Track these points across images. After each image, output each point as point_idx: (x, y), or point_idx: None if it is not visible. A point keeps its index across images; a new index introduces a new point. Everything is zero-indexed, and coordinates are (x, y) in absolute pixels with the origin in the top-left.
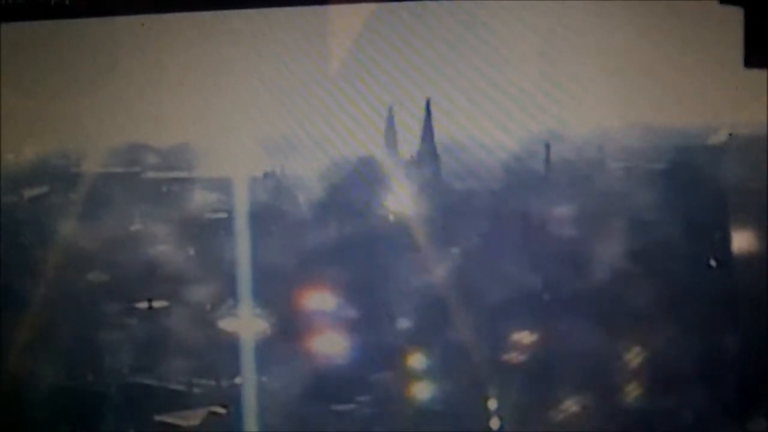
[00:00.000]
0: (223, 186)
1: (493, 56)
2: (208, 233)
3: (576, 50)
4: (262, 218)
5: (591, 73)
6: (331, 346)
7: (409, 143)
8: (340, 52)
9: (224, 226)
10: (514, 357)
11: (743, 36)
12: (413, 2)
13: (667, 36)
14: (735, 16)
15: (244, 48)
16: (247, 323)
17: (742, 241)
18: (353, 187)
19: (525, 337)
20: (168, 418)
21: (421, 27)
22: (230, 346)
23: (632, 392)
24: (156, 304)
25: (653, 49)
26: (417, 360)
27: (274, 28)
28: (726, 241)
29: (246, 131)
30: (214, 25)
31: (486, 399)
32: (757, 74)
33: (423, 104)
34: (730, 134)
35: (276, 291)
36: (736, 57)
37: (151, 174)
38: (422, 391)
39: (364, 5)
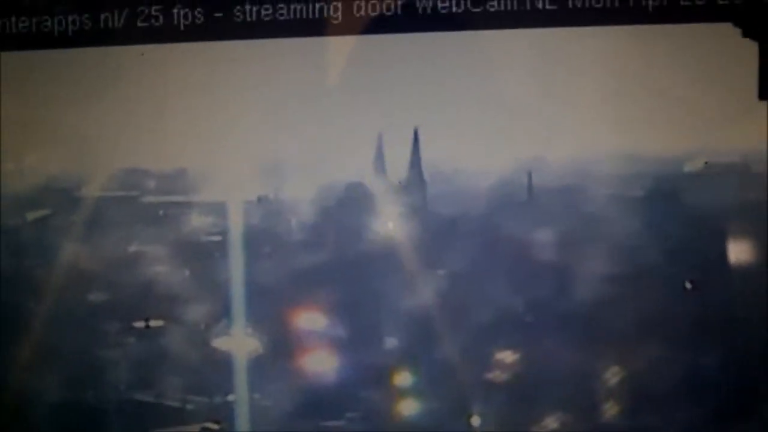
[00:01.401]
0: (218, 209)
1: (478, 87)
2: (203, 255)
3: (558, 81)
4: (256, 241)
5: (572, 103)
6: (321, 364)
7: (398, 169)
8: (332, 80)
9: (219, 249)
10: (497, 376)
11: (758, 69)
12: (404, 34)
13: (646, 65)
14: (714, 45)
15: (240, 76)
16: (240, 342)
17: (716, 264)
18: (343, 211)
19: (508, 356)
20: None
21: (411, 58)
22: (223, 364)
23: (610, 411)
24: (153, 323)
25: (632, 79)
26: (404, 378)
27: (269, 56)
28: (701, 264)
29: (241, 157)
30: (211, 53)
31: (469, 416)
32: (732, 103)
33: (411, 132)
34: (706, 162)
35: (268, 311)
36: (714, 86)
37: (149, 198)
38: (409, 408)
39: (355, 37)
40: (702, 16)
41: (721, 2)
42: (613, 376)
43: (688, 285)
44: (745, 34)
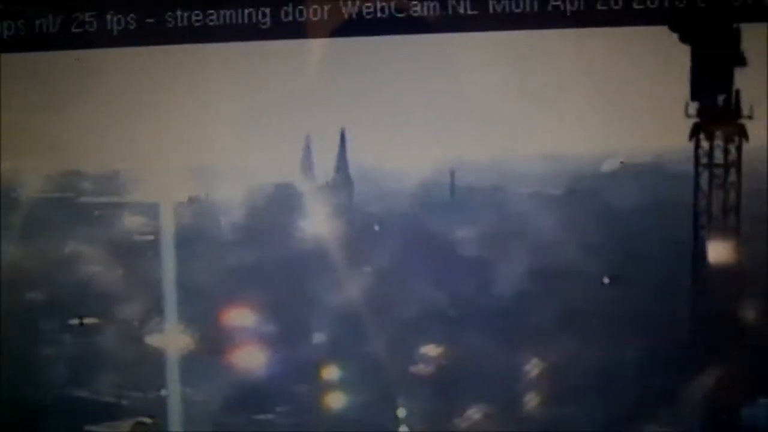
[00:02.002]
0: (151, 210)
1: (403, 91)
2: (136, 255)
3: (479, 84)
4: (188, 240)
5: (493, 105)
6: (252, 359)
7: (326, 170)
8: (262, 85)
9: (152, 248)
10: (422, 369)
11: (690, 71)
12: (330, 39)
13: (566, 69)
14: (628, 49)
15: (171, 80)
16: (172, 339)
17: (632, 260)
18: (272, 211)
19: (432, 350)
20: (98, 429)
21: (338, 62)
22: (156, 360)
23: (531, 402)
24: (87, 321)
25: (551, 82)
26: (332, 372)
27: (199, 61)
28: (618, 260)
29: (173, 159)
30: (143, 58)
31: (396, 408)
32: (647, 106)
33: (338, 134)
34: (622, 162)
35: (200, 309)
36: (630, 89)
37: (84, 199)
38: (337, 401)
39: (283, 42)
40: (635, 19)
41: (651, 6)
42: (533, 368)
43: (606, 280)
44: (682, 39)
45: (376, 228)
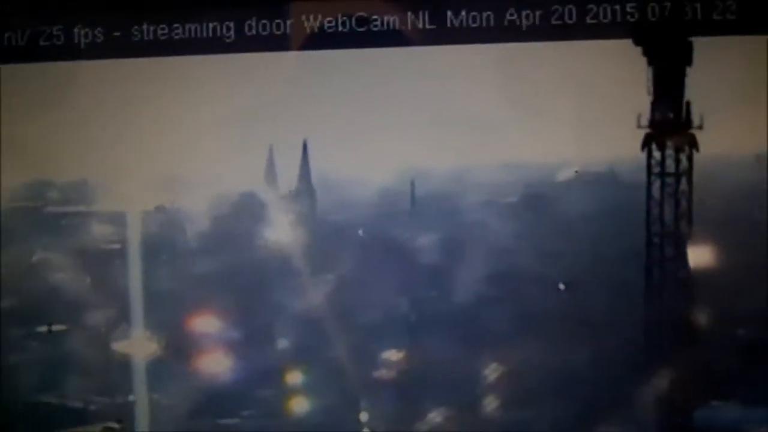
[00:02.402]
0: (118, 219)
1: (364, 102)
2: (103, 262)
3: (439, 96)
4: (154, 248)
5: (452, 117)
6: (217, 365)
7: (288, 179)
8: (226, 97)
9: (119, 256)
10: (383, 373)
11: (652, 83)
12: (293, 53)
13: (521, 82)
14: (583, 62)
15: (138, 92)
16: (139, 345)
17: (587, 266)
18: (237, 220)
19: (393, 355)
20: None
21: (301, 74)
22: (124, 365)
23: (491, 403)
24: (56, 328)
25: (508, 94)
26: (296, 377)
27: (165, 73)
28: (573, 266)
29: (139, 169)
30: (110, 70)
31: (358, 411)
32: (601, 117)
33: (301, 144)
34: (576, 171)
35: (166, 315)
36: (584, 101)
37: (52, 208)
38: (301, 405)
39: (247, 55)
40: (588, 34)
41: (604, 21)
42: (492, 372)
43: (562, 286)
44: (645, 53)
45: (360, 233)
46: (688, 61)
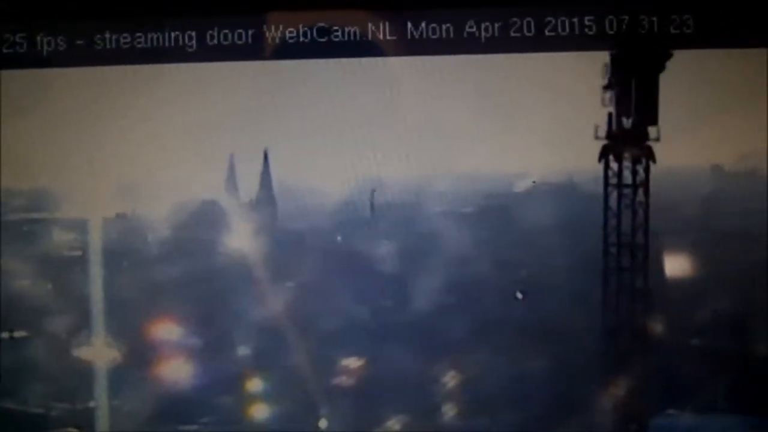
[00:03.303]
0: (79, 226)
1: (325, 112)
2: (65, 269)
3: (397, 107)
4: (115, 256)
5: (410, 127)
6: (177, 372)
7: (249, 188)
8: (188, 106)
9: (80, 263)
10: (343, 381)
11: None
12: (254, 62)
13: (479, 92)
14: (541, 72)
15: (99, 99)
16: (100, 351)
17: (544, 276)
18: (197, 228)
19: (353, 362)
20: None
21: (261, 83)
22: (85, 372)
23: (448, 412)
24: (17, 334)
25: (466, 105)
26: (255, 384)
27: (127, 82)
28: (531, 276)
29: (100, 176)
30: (71, 77)
31: (318, 419)
32: (559, 129)
33: (262, 153)
34: (534, 182)
35: (127, 322)
36: (542, 112)
37: (12, 216)
38: (260, 412)
39: (209, 64)
40: (546, 46)
41: (562, 33)
42: (450, 380)
43: (519, 295)
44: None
45: (339, 239)
46: (647, 73)
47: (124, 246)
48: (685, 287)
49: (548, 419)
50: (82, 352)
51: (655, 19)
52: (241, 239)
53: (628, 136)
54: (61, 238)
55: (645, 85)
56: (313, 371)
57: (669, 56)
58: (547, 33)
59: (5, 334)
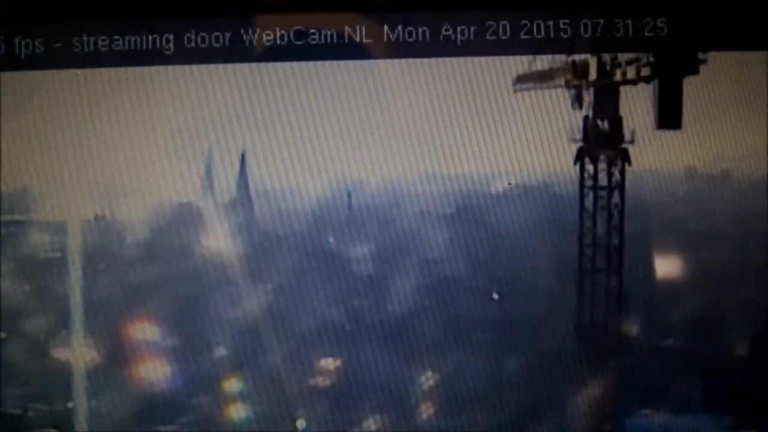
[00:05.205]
0: (57, 228)
1: (302, 114)
2: (43, 271)
3: (374, 108)
4: (93, 257)
5: (387, 128)
6: (155, 372)
7: (226, 190)
8: (166, 108)
9: (58, 265)
10: (320, 381)
11: (657, 102)
12: (231, 65)
13: (456, 94)
14: (520, 72)
15: (77, 101)
16: (78, 352)
17: (520, 277)
18: (175, 229)
19: (330, 363)
20: None
21: (239, 85)
22: (63, 372)
23: (425, 412)
24: None
25: (443, 106)
26: (232, 384)
27: (106, 84)
28: (507, 277)
29: (78, 178)
30: (50, 79)
31: (295, 419)
32: (535, 130)
33: (239, 155)
34: (510, 183)
35: (105, 323)
36: (519, 114)
37: None
38: (237, 412)
39: (187, 67)
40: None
41: (537, 36)
42: (426, 380)
43: (495, 296)
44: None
45: (331, 240)
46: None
47: (102, 247)
48: (660, 288)
49: (524, 419)
50: (60, 353)
51: (629, 22)
52: (218, 240)
53: (604, 139)
54: (39, 240)
55: (618, 89)
56: (290, 372)
57: (645, 60)
58: (522, 36)
59: None
